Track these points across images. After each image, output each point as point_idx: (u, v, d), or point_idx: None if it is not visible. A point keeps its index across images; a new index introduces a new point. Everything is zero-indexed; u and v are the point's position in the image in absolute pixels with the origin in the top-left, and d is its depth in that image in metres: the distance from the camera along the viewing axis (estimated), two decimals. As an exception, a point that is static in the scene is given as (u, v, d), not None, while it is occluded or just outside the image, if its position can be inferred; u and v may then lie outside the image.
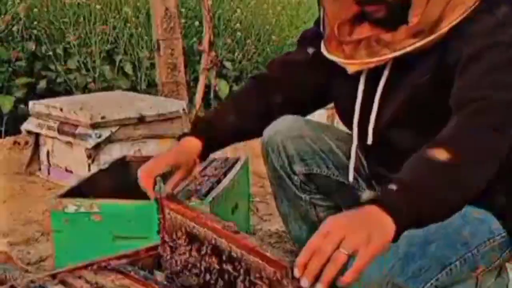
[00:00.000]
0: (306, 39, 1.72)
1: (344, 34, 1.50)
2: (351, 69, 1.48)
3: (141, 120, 3.36)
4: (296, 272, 1.10)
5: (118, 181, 2.47)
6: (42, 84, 4.87)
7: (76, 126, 3.33)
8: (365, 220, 1.11)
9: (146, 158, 1.69)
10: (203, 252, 1.42)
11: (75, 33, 5.01)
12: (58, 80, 4.94)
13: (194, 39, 5.60)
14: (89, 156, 3.25)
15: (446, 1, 1.34)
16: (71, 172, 3.41)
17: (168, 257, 1.55)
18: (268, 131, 1.75)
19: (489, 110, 1.26)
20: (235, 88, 5.38)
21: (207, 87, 4.62)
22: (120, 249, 1.71)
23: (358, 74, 1.51)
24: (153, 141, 3.41)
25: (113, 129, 3.31)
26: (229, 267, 1.34)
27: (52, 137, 3.50)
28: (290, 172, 1.74)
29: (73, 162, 3.40)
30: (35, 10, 5.08)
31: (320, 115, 3.74)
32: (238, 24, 6.05)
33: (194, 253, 1.46)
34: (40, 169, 3.65)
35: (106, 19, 5.16)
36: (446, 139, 1.24)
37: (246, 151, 3.23)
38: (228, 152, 3.55)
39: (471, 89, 1.29)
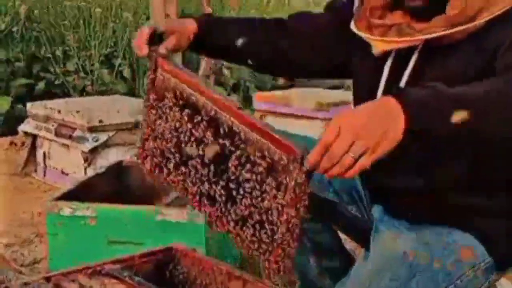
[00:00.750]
0: (335, 8, 1.67)
1: (375, 17, 1.45)
2: (379, 47, 1.42)
3: (138, 125, 3.37)
4: (307, 165, 1.16)
5: (115, 185, 2.48)
6: (40, 85, 4.88)
7: (74, 129, 3.34)
8: (377, 118, 1.13)
9: (143, 164, 1.69)
10: (196, 120, 1.33)
11: (74, 36, 5.03)
12: (56, 82, 4.95)
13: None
14: (85, 160, 3.26)
15: None
16: (67, 174, 3.42)
17: (153, 122, 1.44)
18: None
19: None
20: (233, 95, 5.39)
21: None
22: (115, 253, 1.72)
23: (383, 57, 1.46)
24: (150, 146, 3.41)
25: (110, 133, 3.32)
26: (226, 142, 1.29)
27: (49, 139, 3.51)
28: None
29: (69, 164, 3.40)
30: (36, 12, 5.10)
31: (317, 126, 3.76)
32: (237, 32, 6.06)
33: (184, 119, 1.36)
34: (36, 171, 3.65)
35: (106, 23, 5.17)
36: (483, 82, 1.21)
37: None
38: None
39: None
